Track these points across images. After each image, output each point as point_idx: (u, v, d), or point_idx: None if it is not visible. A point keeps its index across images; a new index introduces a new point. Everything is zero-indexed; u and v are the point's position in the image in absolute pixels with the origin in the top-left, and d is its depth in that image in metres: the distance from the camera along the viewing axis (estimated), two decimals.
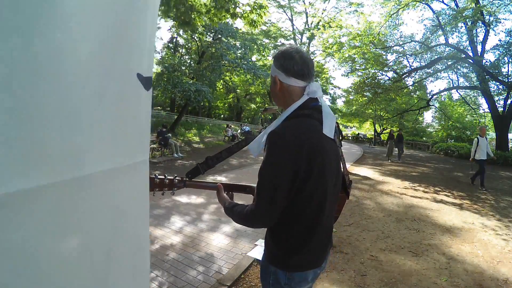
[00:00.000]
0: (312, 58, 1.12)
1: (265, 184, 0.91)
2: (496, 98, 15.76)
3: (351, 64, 18.81)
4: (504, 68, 14.93)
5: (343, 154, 1.16)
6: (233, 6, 6.99)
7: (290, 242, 0.97)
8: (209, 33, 15.06)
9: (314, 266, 1.01)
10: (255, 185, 1.02)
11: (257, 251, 3.01)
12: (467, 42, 15.80)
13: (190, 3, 6.77)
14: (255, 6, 7.18)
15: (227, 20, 7.91)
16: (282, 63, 0.97)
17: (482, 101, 20.66)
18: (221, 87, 25.29)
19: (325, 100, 1.05)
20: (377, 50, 17.03)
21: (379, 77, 18.96)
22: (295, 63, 0.95)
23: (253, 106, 32.71)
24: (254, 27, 7.55)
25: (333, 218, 1.13)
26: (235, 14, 7.13)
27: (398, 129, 13.75)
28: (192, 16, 6.99)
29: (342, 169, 1.14)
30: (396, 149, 12.92)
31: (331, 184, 0.99)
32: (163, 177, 1.22)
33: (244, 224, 0.99)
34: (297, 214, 0.94)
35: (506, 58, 14.53)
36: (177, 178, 1.23)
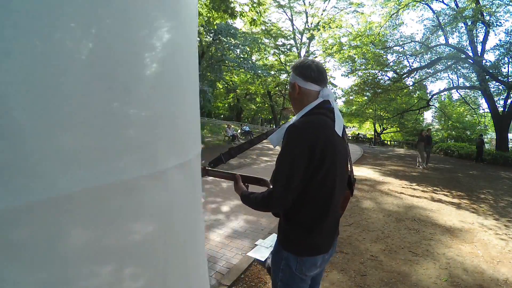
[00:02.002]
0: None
1: (283, 170, 1.02)
2: (496, 98, 15.75)
3: (351, 64, 18.80)
4: (504, 68, 14.93)
5: (350, 153, 1.26)
6: (230, 7, 6.96)
7: (303, 224, 1.08)
8: (209, 33, 15.04)
9: (323, 252, 1.12)
10: (268, 178, 1.23)
11: (257, 251, 3.01)
12: (467, 42, 15.79)
13: None
14: (253, 4, 7.17)
15: (227, 20, 7.89)
16: (301, 70, 1.12)
17: (482, 101, 20.66)
18: (221, 87, 25.29)
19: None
20: (377, 50, 17.01)
21: (379, 77, 18.95)
22: (312, 71, 1.11)
23: (253, 106, 32.72)
24: (254, 25, 7.54)
25: (339, 209, 1.22)
26: (234, 14, 7.12)
27: (427, 129, 12.14)
28: None
29: (348, 166, 1.25)
30: (425, 153, 11.19)
31: (340, 175, 1.11)
32: None
33: (261, 208, 1.10)
34: (310, 198, 1.05)
35: (506, 58, 14.53)
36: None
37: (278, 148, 1.12)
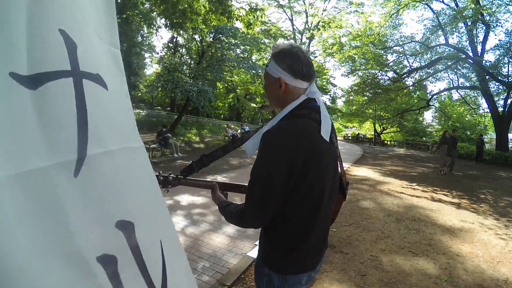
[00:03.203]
0: (312, 58, 1.10)
1: (257, 185, 0.88)
2: (496, 98, 15.78)
3: (351, 64, 18.82)
4: (504, 68, 14.95)
5: (340, 155, 1.14)
6: (227, 10, 6.95)
7: (285, 242, 0.95)
8: (209, 33, 15.06)
9: (308, 269, 1.00)
10: None
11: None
12: (467, 42, 15.81)
13: (186, 4, 6.77)
14: (251, 9, 7.17)
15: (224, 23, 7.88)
16: (290, 64, 0.93)
17: (482, 101, 20.69)
18: (221, 87, 25.29)
19: (325, 101, 1.03)
20: (377, 50, 17.03)
21: (379, 77, 18.98)
22: (303, 65, 0.93)
23: (253, 105, 32.74)
24: (251, 29, 7.55)
25: (328, 220, 1.10)
26: (230, 17, 7.12)
27: (452, 130, 10.57)
28: (188, 15, 6.97)
29: (339, 170, 1.12)
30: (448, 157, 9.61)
31: (329, 185, 0.97)
32: (157, 174, 1.20)
33: (235, 224, 0.99)
34: (291, 214, 0.92)
35: (506, 58, 14.54)
36: (171, 175, 1.24)
37: None
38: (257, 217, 0.90)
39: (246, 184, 1.12)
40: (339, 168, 1.12)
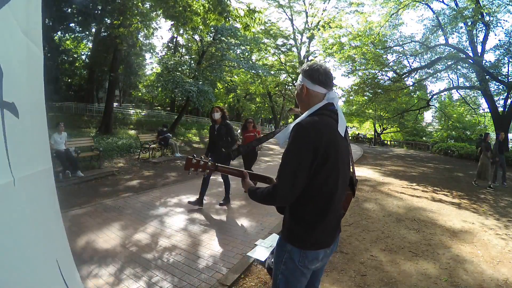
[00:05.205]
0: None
1: (288, 166, 1.09)
2: (496, 98, 15.73)
3: (351, 64, 18.77)
4: (504, 68, 14.90)
5: (352, 153, 1.32)
6: (226, 10, 6.96)
7: (307, 219, 1.14)
8: (209, 33, 15.04)
9: (325, 246, 1.19)
10: (274, 177, 1.31)
11: (257, 251, 3.01)
12: (467, 42, 15.77)
13: (185, 2, 6.77)
14: (249, 10, 7.19)
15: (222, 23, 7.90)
16: (310, 73, 1.20)
17: (482, 101, 20.62)
18: (221, 87, 25.29)
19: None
20: (377, 50, 16.98)
21: (379, 77, 18.93)
22: (320, 74, 1.19)
23: (252, 106, 32.72)
24: (248, 31, 7.57)
25: (341, 206, 1.27)
26: (229, 16, 7.14)
27: (500, 132, 8.36)
28: (187, 14, 6.98)
29: (351, 167, 1.31)
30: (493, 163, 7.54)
31: (342, 172, 1.16)
32: (199, 159, 1.43)
33: (267, 202, 1.16)
34: (313, 195, 1.12)
35: (506, 58, 14.51)
36: (210, 161, 1.44)
37: (279, 149, 1.14)
38: (288, 192, 1.08)
39: (272, 177, 1.38)
40: (350, 165, 1.31)
